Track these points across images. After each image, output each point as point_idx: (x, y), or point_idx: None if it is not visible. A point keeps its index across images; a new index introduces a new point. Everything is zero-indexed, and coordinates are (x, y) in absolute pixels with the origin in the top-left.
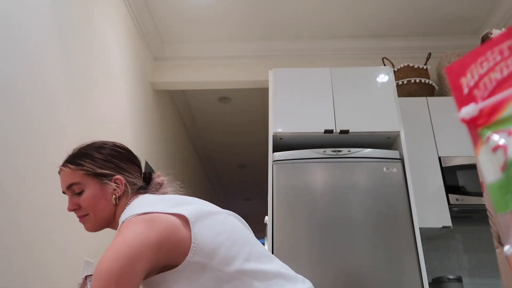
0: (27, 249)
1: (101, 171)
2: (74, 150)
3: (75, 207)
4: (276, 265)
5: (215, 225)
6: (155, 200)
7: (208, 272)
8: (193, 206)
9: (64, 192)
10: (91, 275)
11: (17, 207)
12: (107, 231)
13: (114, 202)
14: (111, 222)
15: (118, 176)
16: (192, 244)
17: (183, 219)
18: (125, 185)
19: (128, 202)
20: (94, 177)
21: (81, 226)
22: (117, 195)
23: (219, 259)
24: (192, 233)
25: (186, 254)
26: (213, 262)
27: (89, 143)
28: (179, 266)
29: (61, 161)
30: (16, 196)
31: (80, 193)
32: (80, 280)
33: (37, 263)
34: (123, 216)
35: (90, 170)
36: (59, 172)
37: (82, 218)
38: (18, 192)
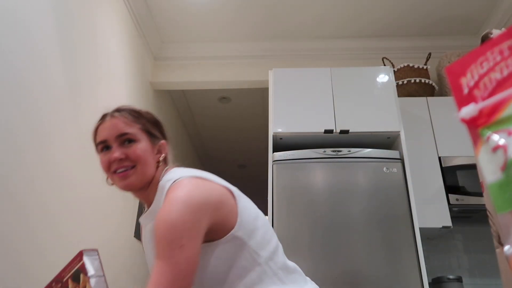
0: (28, 248)
1: (153, 131)
2: (123, 106)
3: (122, 156)
4: (293, 262)
5: (253, 208)
6: (198, 171)
7: (245, 251)
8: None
9: (102, 142)
10: (87, 250)
11: (17, 207)
12: (105, 230)
13: (157, 165)
14: (147, 184)
15: (164, 142)
16: (238, 219)
17: (230, 193)
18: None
19: (166, 170)
20: (147, 134)
21: (81, 226)
22: (162, 158)
23: (256, 241)
24: (238, 207)
25: (231, 228)
26: (251, 242)
27: (134, 106)
28: (222, 239)
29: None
30: (17, 196)
31: (130, 144)
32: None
33: (37, 262)
34: (171, 178)
35: (145, 127)
36: (103, 119)
37: (126, 171)
38: (18, 191)
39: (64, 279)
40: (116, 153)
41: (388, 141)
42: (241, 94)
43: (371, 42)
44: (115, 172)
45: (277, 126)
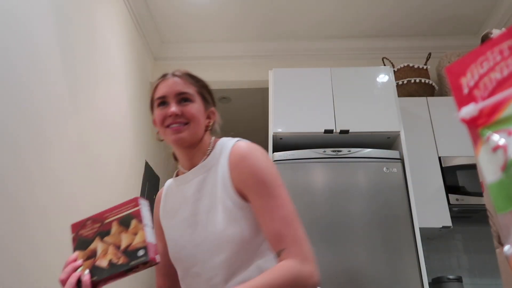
0: (28, 248)
1: (207, 96)
2: (181, 70)
3: (179, 113)
4: None
5: None
6: None
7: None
8: None
9: (161, 98)
10: (141, 197)
11: (17, 207)
12: None
13: (206, 128)
14: (195, 144)
15: (214, 109)
16: None
17: None
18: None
19: (216, 140)
20: (201, 97)
21: None
22: (211, 123)
23: None
24: None
25: None
26: None
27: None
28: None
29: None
30: (16, 196)
31: (187, 103)
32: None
33: (37, 262)
34: (229, 140)
35: (201, 90)
36: (164, 77)
37: (180, 127)
38: (18, 191)
39: (107, 221)
40: (173, 108)
41: (388, 141)
42: (241, 94)
43: (371, 42)
44: (168, 126)
45: (277, 126)
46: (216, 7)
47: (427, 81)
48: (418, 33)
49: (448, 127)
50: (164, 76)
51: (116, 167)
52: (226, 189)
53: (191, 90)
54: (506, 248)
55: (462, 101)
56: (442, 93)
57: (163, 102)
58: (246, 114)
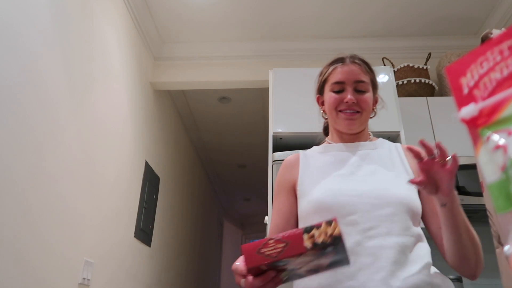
0: (28, 248)
1: (376, 84)
2: (358, 55)
3: (355, 101)
4: None
5: None
6: None
7: None
8: None
9: (338, 83)
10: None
11: (17, 206)
12: (105, 230)
13: (369, 118)
14: (362, 130)
15: (377, 96)
16: None
17: None
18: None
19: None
20: (373, 88)
21: (81, 226)
22: (375, 111)
23: None
24: None
25: None
26: None
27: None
28: None
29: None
30: (16, 196)
31: (362, 93)
32: (79, 280)
33: (37, 263)
34: (388, 141)
35: (373, 79)
36: (342, 61)
37: (353, 114)
38: (18, 191)
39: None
40: (351, 96)
41: None
42: (241, 94)
43: (371, 42)
44: (341, 111)
45: (277, 126)
46: (216, 7)
47: (427, 81)
48: (418, 33)
49: (448, 127)
50: (342, 60)
51: (116, 167)
52: (404, 166)
53: (366, 79)
54: (506, 248)
55: (462, 101)
56: (442, 93)
57: (339, 88)
58: (246, 114)
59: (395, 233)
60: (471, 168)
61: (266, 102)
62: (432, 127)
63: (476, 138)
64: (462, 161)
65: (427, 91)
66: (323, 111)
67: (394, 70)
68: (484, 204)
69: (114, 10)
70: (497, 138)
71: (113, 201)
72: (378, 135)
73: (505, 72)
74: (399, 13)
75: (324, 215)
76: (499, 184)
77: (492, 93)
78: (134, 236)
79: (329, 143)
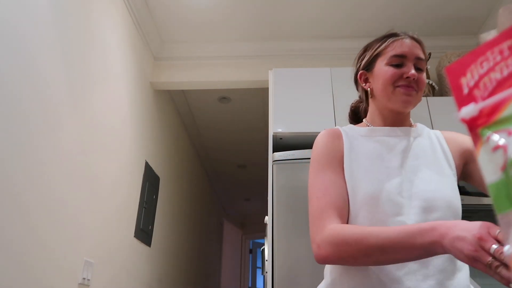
0: (28, 248)
1: (427, 67)
2: (415, 34)
3: (416, 77)
4: None
5: None
6: None
7: None
8: None
9: (400, 56)
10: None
11: (17, 207)
12: (105, 230)
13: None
14: (408, 116)
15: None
16: None
17: None
18: None
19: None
20: (425, 68)
21: (81, 226)
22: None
23: None
24: None
25: None
26: None
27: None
28: None
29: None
30: (16, 196)
31: (420, 72)
32: (79, 280)
33: (37, 263)
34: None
35: (427, 60)
36: (402, 36)
37: (411, 90)
38: (18, 191)
39: None
40: (414, 71)
41: None
42: (241, 94)
43: None
44: (399, 86)
45: (277, 126)
46: (216, 7)
47: (427, 81)
48: (418, 33)
49: (448, 127)
50: (399, 35)
51: (116, 167)
52: (447, 158)
53: (425, 58)
54: (506, 248)
55: (462, 101)
56: (442, 93)
57: (399, 61)
58: (246, 114)
59: None
60: None
61: (266, 102)
62: (432, 127)
63: (476, 138)
64: None
65: (427, 91)
66: (367, 88)
67: None
68: (484, 204)
69: (114, 10)
70: (497, 138)
71: (113, 201)
72: None
73: (505, 72)
74: (399, 13)
75: (372, 210)
76: (499, 184)
77: (492, 93)
78: (134, 236)
79: (362, 124)
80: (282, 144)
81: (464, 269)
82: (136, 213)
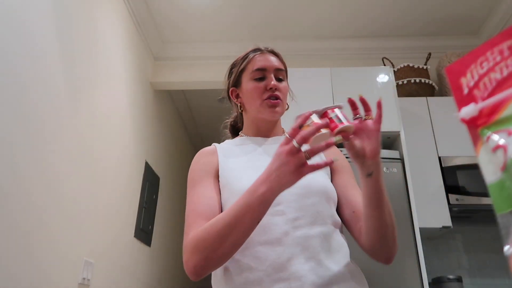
0: (28, 248)
1: (287, 77)
2: (270, 47)
3: (277, 87)
4: None
5: None
6: None
7: None
8: None
9: (261, 69)
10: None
11: (18, 206)
12: (105, 230)
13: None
14: (278, 120)
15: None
16: None
17: None
18: None
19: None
20: (286, 80)
21: (81, 226)
22: (287, 107)
23: None
24: None
25: None
26: None
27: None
28: None
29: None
30: (16, 196)
31: (280, 81)
32: (79, 280)
33: (37, 263)
34: None
35: (286, 70)
36: (259, 51)
37: (277, 100)
38: (18, 191)
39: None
40: (274, 82)
41: (388, 141)
42: None
43: (371, 42)
44: (266, 99)
45: None
46: (216, 7)
47: (427, 81)
48: (418, 33)
49: (448, 127)
50: (259, 50)
51: (116, 167)
52: (320, 157)
53: (283, 68)
54: (506, 248)
55: (462, 101)
56: (442, 93)
57: (261, 75)
58: None
59: (320, 222)
60: (471, 168)
61: None
62: (432, 127)
63: (476, 138)
64: (462, 161)
65: (427, 91)
66: (238, 104)
67: (394, 70)
68: (484, 204)
69: (115, 10)
70: (497, 138)
71: (113, 201)
72: None
73: (505, 72)
74: (399, 13)
75: None
76: (499, 184)
77: (492, 93)
78: (134, 236)
79: (240, 135)
80: None
81: (342, 250)
82: (136, 213)
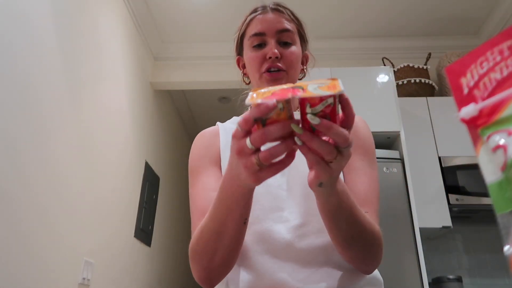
0: (28, 248)
1: (305, 37)
2: (277, 2)
3: (279, 55)
4: None
5: None
6: None
7: None
8: None
9: (258, 34)
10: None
11: (18, 206)
12: (105, 230)
13: (298, 79)
14: None
15: (307, 53)
16: None
17: None
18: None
19: None
20: (301, 40)
21: (81, 226)
22: (305, 70)
23: None
24: None
25: None
26: None
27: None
28: None
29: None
30: (17, 195)
31: (287, 46)
32: (79, 280)
33: (37, 263)
34: None
35: (300, 28)
36: (262, 9)
37: (279, 72)
38: (18, 191)
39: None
40: (275, 49)
41: (388, 141)
42: (241, 94)
43: (371, 42)
44: (265, 71)
45: None
46: (217, 7)
47: (427, 81)
48: (418, 33)
49: (448, 127)
50: (262, 9)
51: (116, 167)
52: None
53: (292, 27)
54: (506, 248)
55: (462, 101)
56: (442, 93)
57: (259, 41)
58: None
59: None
60: (471, 168)
61: None
62: (432, 127)
63: (476, 138)
64: (462, 161)
65: (427, 91)
66: (245, 75)
67: (394, 70)
68: (484, 204)
69: (115, 10)
70: (497, 138)
71: (113, 201)
72: (378, 135)
73: (505, 72)
74: (399, 14)
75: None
76: (499, 184)
77: (492, 93)
78: (134, 236)
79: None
80: None
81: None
82: (136, 213)
